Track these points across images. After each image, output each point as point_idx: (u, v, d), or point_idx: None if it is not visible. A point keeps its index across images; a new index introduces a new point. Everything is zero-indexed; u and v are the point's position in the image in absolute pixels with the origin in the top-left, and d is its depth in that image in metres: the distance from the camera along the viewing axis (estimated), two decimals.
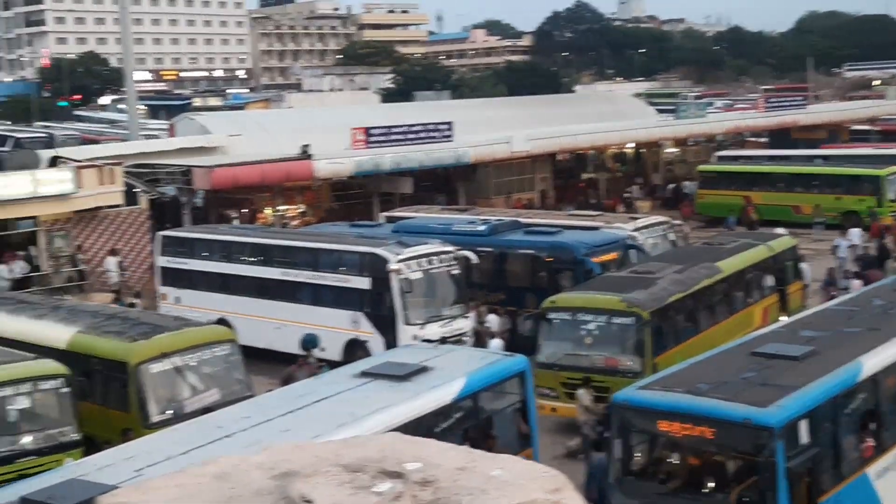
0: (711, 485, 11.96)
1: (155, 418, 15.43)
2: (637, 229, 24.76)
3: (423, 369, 13.16)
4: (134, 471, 10.05)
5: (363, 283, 21.49)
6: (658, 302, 17.76)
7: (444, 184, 40.08)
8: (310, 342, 19.88)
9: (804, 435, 11.66)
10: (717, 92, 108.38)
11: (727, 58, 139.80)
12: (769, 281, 22.33)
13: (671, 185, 46.67)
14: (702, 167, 43.33)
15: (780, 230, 33.07)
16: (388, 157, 34.69)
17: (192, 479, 1.94)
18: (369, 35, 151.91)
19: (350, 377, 13.24)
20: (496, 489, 1.75)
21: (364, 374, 13.20)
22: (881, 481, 13.00)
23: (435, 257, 21.45)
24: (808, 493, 11.70)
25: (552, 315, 18.00)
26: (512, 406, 14.13)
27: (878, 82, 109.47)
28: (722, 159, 46.92)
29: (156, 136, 46.96)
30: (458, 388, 12.82)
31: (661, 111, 57.22)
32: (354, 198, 37.91)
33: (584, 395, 16.51)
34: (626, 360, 17.29)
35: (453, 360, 14.11)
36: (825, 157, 42.22)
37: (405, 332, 20.60)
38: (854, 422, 12.93)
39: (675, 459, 12.43)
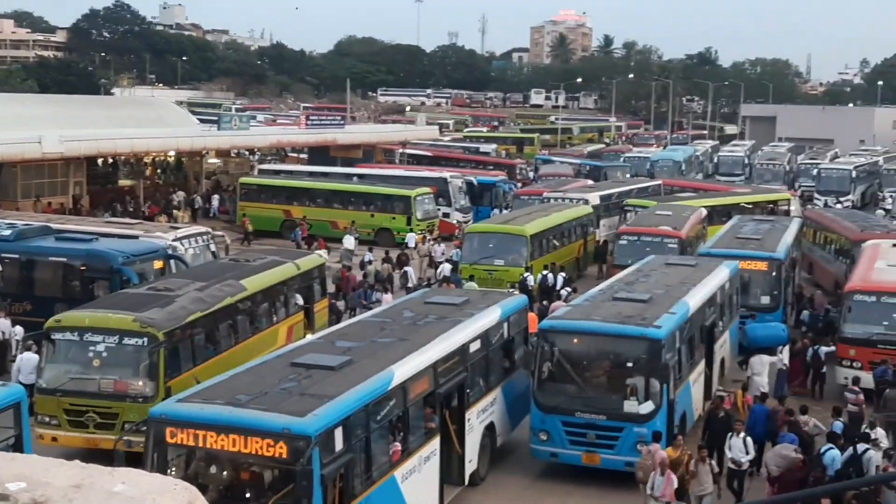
0: (247, 496, 11.91)
1: None
2: (177, 239, 24.30)
3: None
4: None
5: None
6: (175, 321, 17.15)
7: None
8: None
9: (339, 442, 12.02)
10: (260, 106, 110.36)
11: (270, 73, 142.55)
12: (295, 299, 22.35)
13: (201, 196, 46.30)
14: (243, 179, 43.68)
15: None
16: None
17: None
18: None
19: None
20: None
21: None
22: (407, 483, 13.80)
23: None
24: (341, 498, 12.07)
25: (57, 335, 16.79)
26: (4, 442, 12.51)
27: (409, 108, 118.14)
28: (263, 172, 47.66)
29: None
30: None
31: (203, 121, 56.80)
32: None
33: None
34: (136, 384, 16.55)
35: None
36: (361, 176, 44.51)
37: None
38: (385, 428, 13.58)
39: (214, 471, 12.19)
